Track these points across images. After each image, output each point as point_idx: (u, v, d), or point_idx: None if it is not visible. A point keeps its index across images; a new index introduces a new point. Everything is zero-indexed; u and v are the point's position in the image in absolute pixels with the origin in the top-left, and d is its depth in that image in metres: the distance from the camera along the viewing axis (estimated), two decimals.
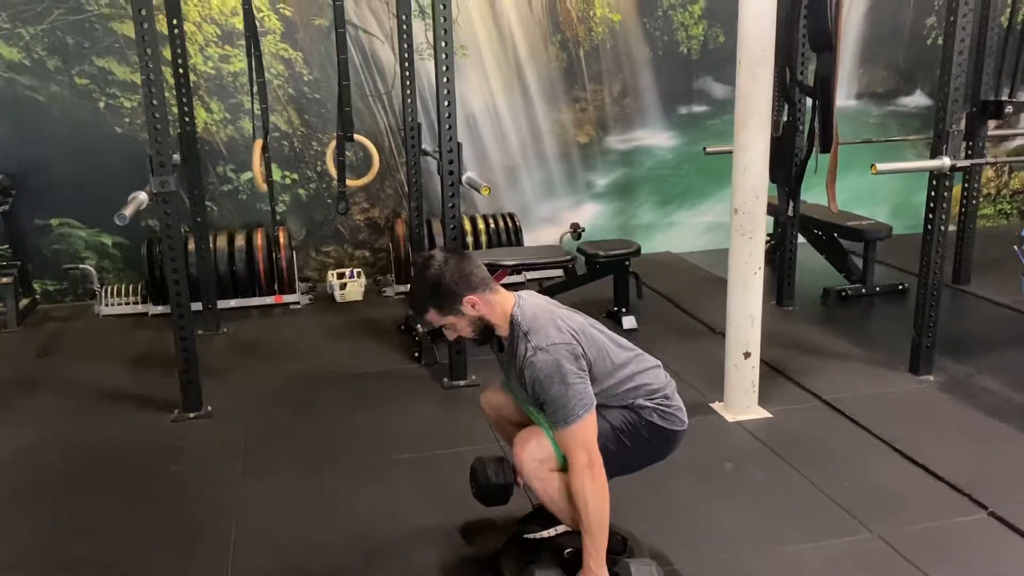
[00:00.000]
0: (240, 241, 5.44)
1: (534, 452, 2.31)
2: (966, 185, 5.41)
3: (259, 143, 4.40)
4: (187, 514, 3.04)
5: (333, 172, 4.75)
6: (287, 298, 5.53)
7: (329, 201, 5.85)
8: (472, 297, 2.31)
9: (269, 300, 5.50)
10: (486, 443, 3.46)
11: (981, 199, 7.12)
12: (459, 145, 3.89)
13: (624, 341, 2.47)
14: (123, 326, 5.22)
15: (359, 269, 5.81)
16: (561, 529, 2.69)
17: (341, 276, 5.71)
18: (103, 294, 5.43)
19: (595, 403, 2.25)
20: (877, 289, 5.37)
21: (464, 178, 3.91)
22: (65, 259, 5.56)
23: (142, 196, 3.56)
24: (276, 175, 5.76)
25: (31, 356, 4.71)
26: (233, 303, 5.37)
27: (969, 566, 2.62)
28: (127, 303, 5.42)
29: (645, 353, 2.49)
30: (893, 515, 2.89)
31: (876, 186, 6.58)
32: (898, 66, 6.77)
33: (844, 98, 6.67)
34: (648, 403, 2.39)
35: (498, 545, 2.70)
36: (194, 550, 2.80)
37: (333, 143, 4.71)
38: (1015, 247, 4.49)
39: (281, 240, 5.52)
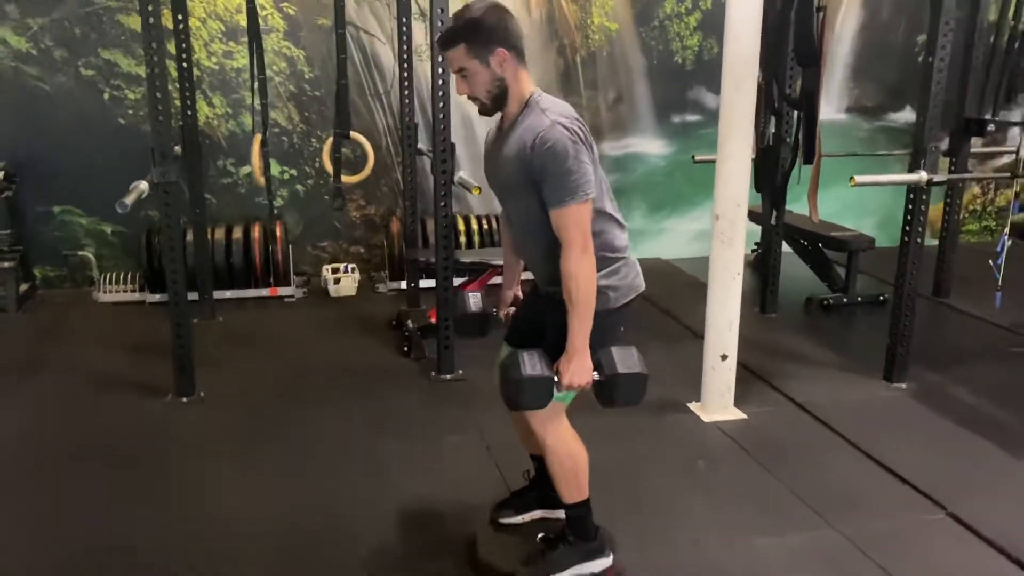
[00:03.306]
0: (237, 234, 5.55)
1: (542, 416, 2.39)
2: (948, 201, 5.53)
3: (259, 138, 4.52)
4: (173, 495, 3.14)
5: (329, 168, 4.87)
6: (282, 291, 5.65)
7: (326, 197, 5.95)
8: (504, 52, 2.21)
9: (264, 292, 5.61)
10: (469, 433, 3.59)
11: (967, 216, 7.29)
12: (452, 145, 4.00)
13: None
14: (120, 313, 5.33)
15: (353, 264, 5.93)
16: (538, 515, 2.83)
17: (335, 271, 5.82)
18: (102, 281, 5.54)
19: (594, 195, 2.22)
20: (859, 299, 5.50)
21: (456, 177, 4.03)
22: (65, 246, 5.67)
23: (143, 185, 3.67)
24: (275, 170, 5.86)
25: (30, 340, 4.82)
26: (229, 294, 5.48)
27: (925, 562, 2.74)
28: (125, 291, 5.52)
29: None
30: (855, 512, 3.01)
31: (864, 199, 6.70)
32: (888, 82, 6.91)
33: (835, 112, 6.80)
34: (603, 281, 2.32)
35: (474, 530, 2.81)
36: (184, 525, 2.91)
37: (330, 140, 4.83)
38: (990, 261, 4.61)
39: (278, 234, 5.63)
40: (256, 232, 5.59)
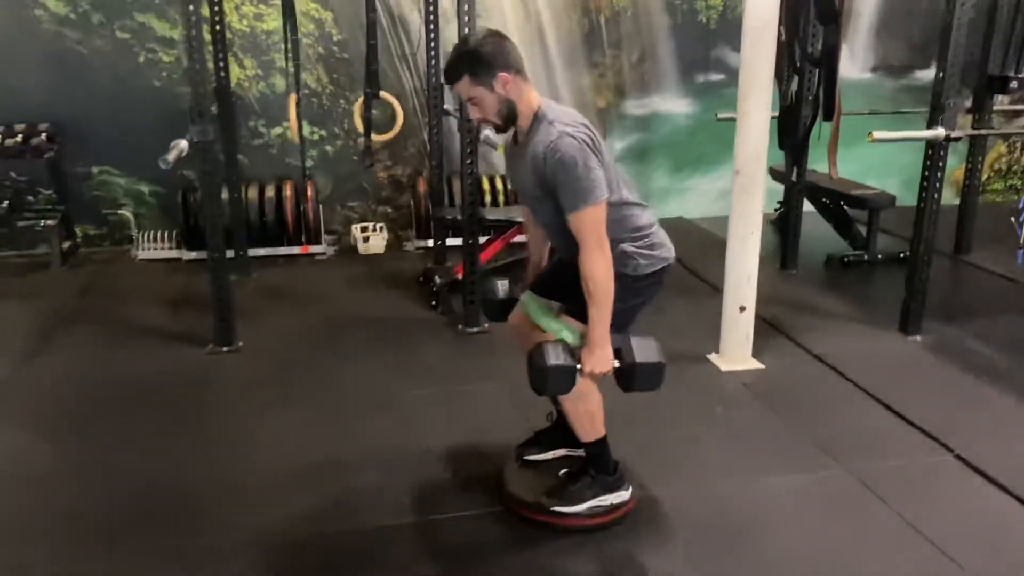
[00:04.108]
0: (270, 193, 5.72)
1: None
2: (970, 159, 5.56)
3: (294, 97, 4.64)
4: (218, 435, 3.34)
5: (360, 127, 5.00)
6: (313, 249, 5.82)
7: (355, 158, 6.11)
8: (506, 75, 2.35)
9: (296, 250, 5.79)
10: (494, 381, 3.75)
11: (992, 175, 7.29)
12: None
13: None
14: (158, 270, 5.53)
15: (381, 224, 6.08)
16: (561, 452, 2.98)
17: (364, 229, 5.99)
18: (139, 239, 5.74)
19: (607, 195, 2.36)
20: (879, 257, 5.57)
21: (481, 136, 4.14)
22: (104, 205, 5.87)
23: (183, 144, 3.83)
24: (305, 131, 6.01)
25: (75, 294, 5.04)
26: (263, 251, 5.66)
27: (929, 498, 2.87)
28: (162, 248, 5.73)
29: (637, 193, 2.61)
30: (864, 454, 3.14)
31: (888, 157, 6.72)
32: (914, 40, 6.88)
33: (859, 71, 6.81)
34: (632, 247, 2.50)
35: (501, 467, 2.98)
36: (230, 463, 3.11)
37: (361, 99, 4.95)
38: (1012, 219, 4.67)
39: (309, 193, 5.79)
40: (288, 191, 5.75)
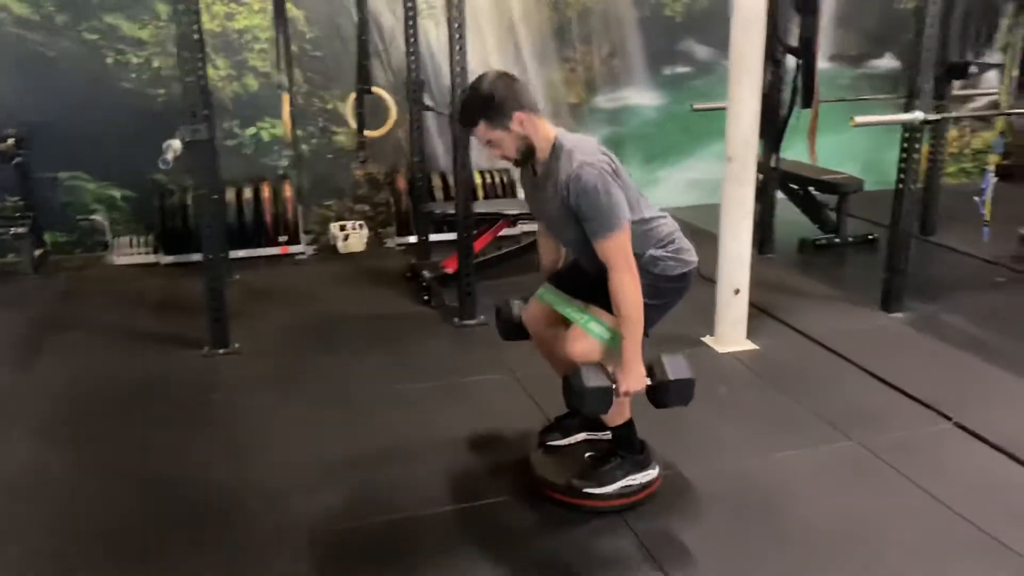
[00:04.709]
0: (248, 194, 5.66)
1: (582, 346, 2.56)
2: (932, 143, 5.78)
3: (286, 96, 4.60)
4: (233, 435, 3.32)
5: (352, 123, 4.98)
6: (292, 249, 5.77)
7: (330, 156, 6.08)
8: (521, 114, 2.43)
9: (276, 251, 5.74)
10: (500, 371, 3.78)
11: (947, 158, 7.56)
12: None
13: None
14: (136, 275, 5.42)
15: (361, 222, 6.06)
16: (582, 437, 3.03)
17: (343, 228, 5.96)
18: (114, 244, 5.62)
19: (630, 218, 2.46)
20: (850, 239, 5.75)
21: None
22: (75, 211, 5.72)
23: (177, 144, 3.76)
24: (279, 131, 5.96)
25: (54, 300, 4.92)
26: (242, 253, 5.59)
27: (939, 465, 3.00)
28: (139, 253, 5.62)
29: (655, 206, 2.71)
30: (869, 426, 3.27)
31: (848, 144, 6.90)
32: (870, 30, 7.11)
33: (820, 60, 6.99)
34: (660, 252, 2.59)
35: (525, 452, 3.02)
36: (248, 463, 3.08)
37: (353, 95, 4.94)
38: (975, 198, 4.86)
39: (287, 193, 5.74)
40: (266, 192, 5.69)
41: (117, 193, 5.78)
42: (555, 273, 2.91)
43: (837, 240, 5.73)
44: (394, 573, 2.47)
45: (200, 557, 2.55)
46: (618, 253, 2.44)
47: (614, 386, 2.51)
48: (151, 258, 5.61)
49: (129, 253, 5.62)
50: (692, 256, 2.69)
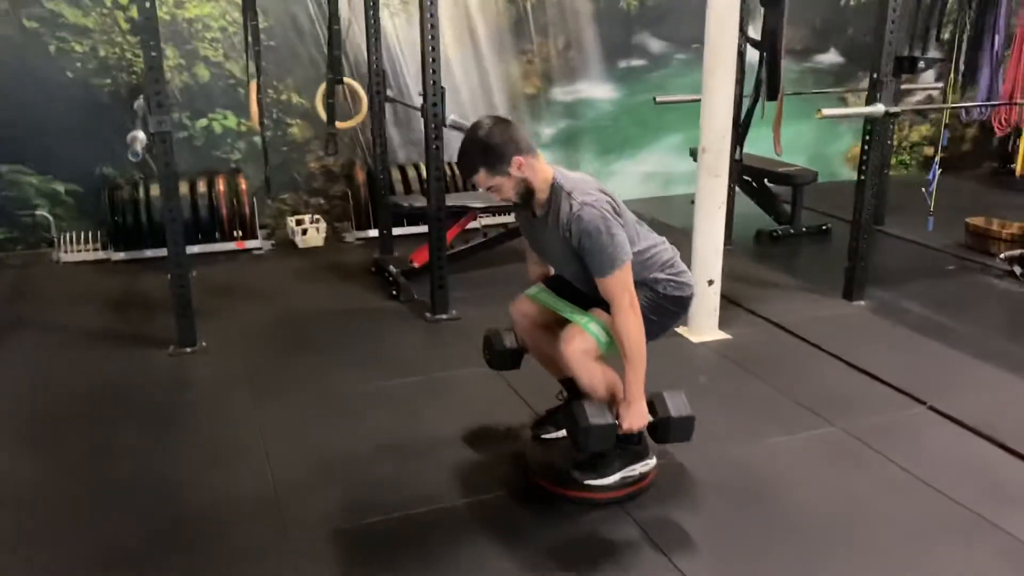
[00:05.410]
0: (202, 187, 5.49)
1: (579, 345, 2.58)
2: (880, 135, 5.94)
3: (254, 84, 4.47)
4: (214, 435, 3.21)
5: (323, 114, 4.87)
6: (249, 244, 5.63)
7: (284, 148, 5.95)
8: (519, 159, 2.48)
9: (231, 246, 5.59)
10: (480, 365, 3.71)
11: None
12: (443, 89, 4.09)
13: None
14: (86, 272, 5.22)
15: (318, 216, 5.95)
16: None
17: (300, 223, 5.83)
18: (61, 241, 5.39)
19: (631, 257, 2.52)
20: (804, 230, 5.89)
21: (450, 120, 4.12)
22: (16, 206, 5.47)
23: (141, 135, 3.64)
24: (232, 123, 5.82)
25: (1, 302, 4.68)
26: (197, 249, 5.42)
27: (919, 448, 3.09)
28: (87, 250, 5.40)
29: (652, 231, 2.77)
30: (848, 411, 3.35)
31: (794, 137, 7.07)
32: (814, 26, 7.29)
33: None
34: (663, 275, 2.67)
35: (517, 446, 3.00)
36: (235, 464, 2.99)
37: (323, 86, 4.83)
38: (923, 189, 5.04)
39: (243, 186, 5.59)
40: (221, 186, 5.54)
41: (61, 187, 5.55)
42: (550, 277, 2.91)
43: (792, 231, 5.86)
44: (407, 574, 2.43)
45: (198, 569, 2.45)
46: (622, 291, 2.49)
47: (616, 423, 2.56)
48: (101, 254, 5.41)
49: (77, 250, 5.40)
50: (691, 281, 2.77)
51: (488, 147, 2.48)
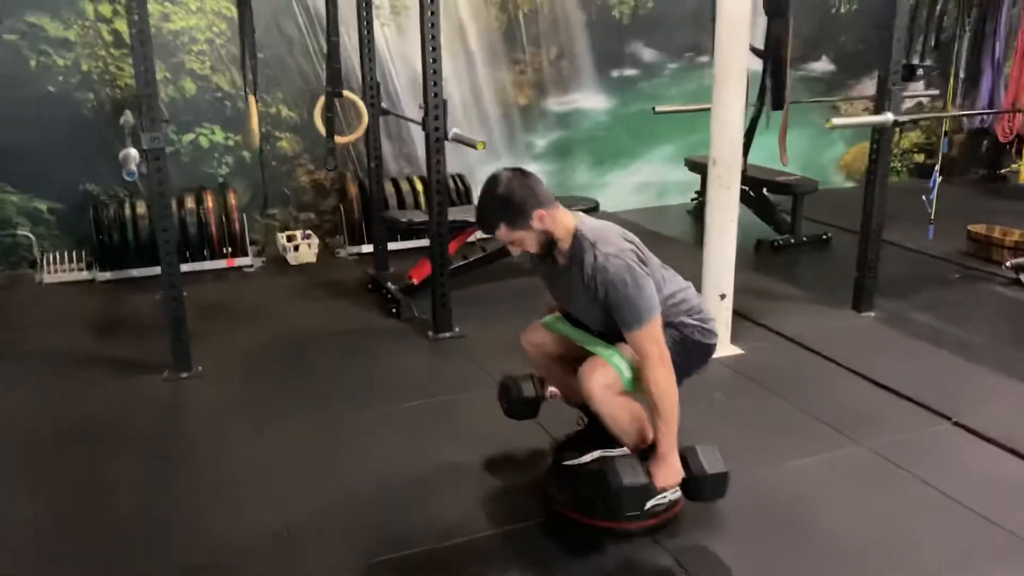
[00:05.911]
0: (190, 204, 5.33)
1: (601, 379, 2.48)
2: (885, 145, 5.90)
3: (253, 99, 4.31)
4: (217, 470, 3.06)
5: (321, 128, 4.74)
6: (239, 261, 5.47)
7: (274, 163, 5.79)
8: (540, 211, 2.43)
9: (221, 264, 5.43)
10: (487, 386, 3.58)
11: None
12: (444, 102, 3.98)
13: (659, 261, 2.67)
14: (71, 293, 5.03)
15: (309, 231, 5.80)
16: (596, 454, 2.91)
17: (291, 239, 5.68)
18: (44, 262, 5.21)
19: (660, 309, 2.45)
20: (804, 239, 5.83)
21: (452, 134, 4.00)
22: None
23: (133, 152, 3.50)
24: (219, 136, 5.66)
25: None
26: (186, 267, 5.22)
27: (947, 466, 3.00)
28: (72, 270, 5.22)
29: (677, 274, 2.70)
30: (871, 429, 3.26)
31: (787, 145, 7.04)
32: (805, 34, 7.24)
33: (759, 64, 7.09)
34: (690, 320, 2.61)
35: (538, 474, 2.88)
36: (240, 503, 2.84)
37: (322, 99, 4.69)
38: (923, 197, 5.00)
39: (232, 202, 5.44)
40: (209, 201, 5.38)
41: (43, 206, 5.36)
42: (565, 310, 2.81)
43: (792, 240, 5.80)
44: None
45: None
46: (651, 344, 2.41)
47: (650, 482, 2.44)
48: (85, 275, 5.22)
49: (60, 270, 5.21)
50: (715, 329, 2.70)
51: (508, 202, 2.42)
